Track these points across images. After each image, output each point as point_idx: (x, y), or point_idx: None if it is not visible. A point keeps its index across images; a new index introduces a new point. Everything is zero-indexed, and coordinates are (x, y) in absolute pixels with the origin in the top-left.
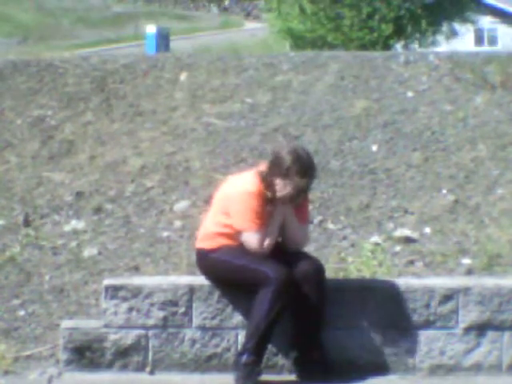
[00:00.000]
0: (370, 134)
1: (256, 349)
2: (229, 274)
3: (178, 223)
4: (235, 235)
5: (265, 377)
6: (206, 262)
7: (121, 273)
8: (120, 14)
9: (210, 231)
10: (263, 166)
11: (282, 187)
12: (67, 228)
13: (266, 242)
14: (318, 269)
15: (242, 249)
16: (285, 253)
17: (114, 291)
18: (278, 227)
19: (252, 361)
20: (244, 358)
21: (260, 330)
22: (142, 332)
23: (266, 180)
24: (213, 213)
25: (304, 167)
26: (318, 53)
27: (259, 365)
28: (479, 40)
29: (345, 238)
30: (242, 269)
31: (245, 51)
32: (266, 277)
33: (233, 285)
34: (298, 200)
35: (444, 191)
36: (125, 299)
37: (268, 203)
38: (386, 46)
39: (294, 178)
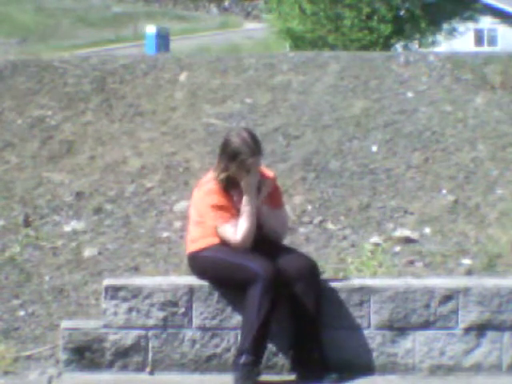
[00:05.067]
0: (369, 134)
1: (253, 348)
2: (218, 271)
3: (177, 223)
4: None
5: (265, 377)
6: (197, 262)
7: (121, 273)
8: (120, 14)
9: (195, 235)
10: (216, 160)
11: (235, 170)
12: (67, 228)
13: (240, 232)
14: (312, 266)
15: (229, 246)
16: (276, 250)
17: (113, 291)
18: (250, 216)
19: (250, 361)
20: (242, 359)
21: (253, 328)
22: (142, 332)
23: (221, 170)
24: (192, 218)
25: (248, 144)
26: (318, 53)
27: (258, 365)
28: (479, 40)
29: (345, 238)
30: (229, 266)
31: (245, 51)
32: (253, 273)
33: (224, 283)
34: (255, 182)
35: (444, 191)
36: (125, 299)
37: (233, 194)
38: (386, 47)
39: (242, 156)
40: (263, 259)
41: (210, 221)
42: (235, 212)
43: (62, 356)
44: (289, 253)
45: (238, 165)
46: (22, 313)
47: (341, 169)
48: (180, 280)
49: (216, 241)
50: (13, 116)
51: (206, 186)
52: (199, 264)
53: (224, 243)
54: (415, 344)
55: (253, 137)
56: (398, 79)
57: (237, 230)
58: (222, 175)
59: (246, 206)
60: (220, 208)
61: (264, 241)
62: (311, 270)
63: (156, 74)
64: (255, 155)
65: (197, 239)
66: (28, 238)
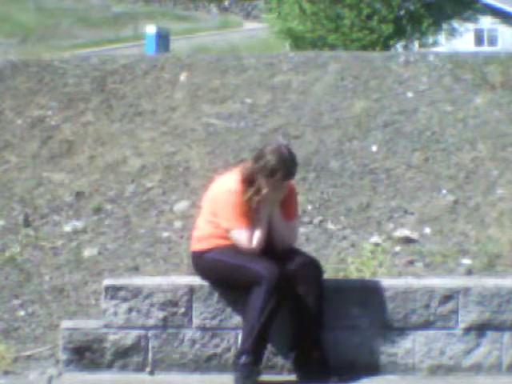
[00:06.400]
0: (370, 134)
1: (254, 349)
2: (223, 273)
3: (178, 223)
4: (227, 234)
5: (265, 377)
6: (201, 263)
7: (121, 273)
8: (120, 14)
9: (202, 233)
10: (247, 164)
11: (264, 185)
12: (67, 228)
13: (256, 239)
14: (315, 267)
15: (235, 248)
16: (280, 251)
17: (113, 291)
18: (266, 224)
19: (251, 361)
20: (243, 359)
21: (255, 329)
22: (142, 332)
23: (249, 178)
24: (203, 214)
25: (287, 167)
26: (318, 53)
27: (258, 365)
28: (479, 40)
29: (345, 238)
30: (234, 268)
31: (245, 51)
32: (258, 275)
33: (228, 285)
34: (279, 197)
35: (444, 191)
36: (125, 299)
37: (253, 200)
38: (386, 47)
39: (277, 177)
40: (268, 261)
41: (223, 221)
42: (251, 218)
43: (62, 356)
44: (292, 253)
45: (271, 182)
46: (22, 313)
47: (341, 169)
48: (180, 280)
49: (223, 242)
50: (13, 116)
51: (229, 186)
52: (203, 264)
53: (232, 245)
54: (415, 344)
55: (292, 158)
56: (397, 79)
57: (252, 236)
58: (251, 190)
59: (264, 216)
60: (238, 211)
61: (269, 243)
62: (314, 271)
63: (156, 74)
64: (291, 178)
65: (204, 238)
66: (28, 237)
